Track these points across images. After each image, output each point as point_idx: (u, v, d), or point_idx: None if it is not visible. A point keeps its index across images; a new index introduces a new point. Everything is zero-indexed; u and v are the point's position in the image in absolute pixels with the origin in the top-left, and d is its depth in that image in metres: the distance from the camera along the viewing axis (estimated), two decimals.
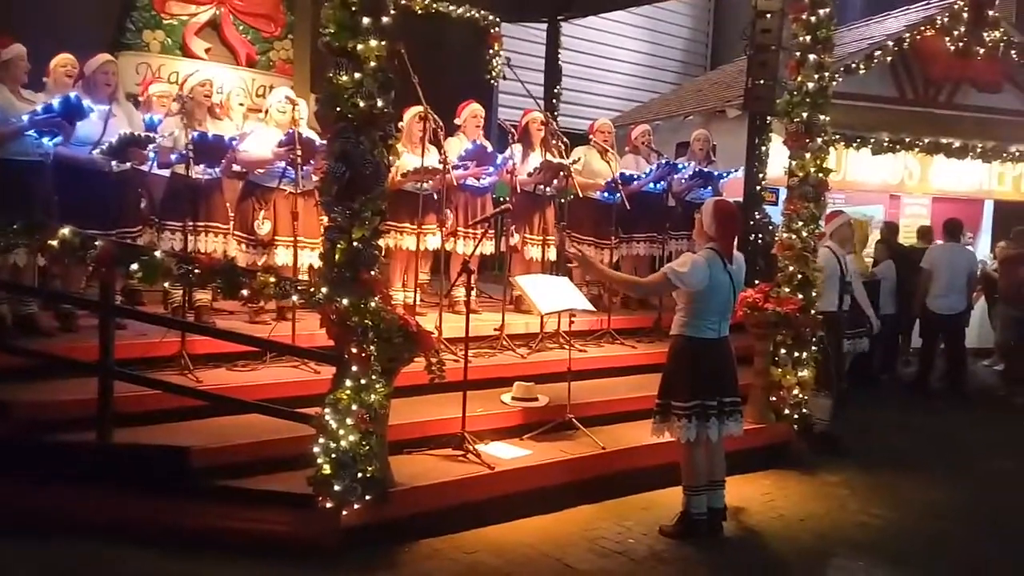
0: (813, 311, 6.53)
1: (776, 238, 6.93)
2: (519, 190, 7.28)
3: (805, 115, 6.50)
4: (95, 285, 5.09)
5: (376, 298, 4.38)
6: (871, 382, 9.34)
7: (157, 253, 4.71)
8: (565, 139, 7.49)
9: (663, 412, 4.95)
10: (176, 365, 5.39)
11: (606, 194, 7.53)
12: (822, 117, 6.54)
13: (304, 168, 6.02)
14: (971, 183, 12.19)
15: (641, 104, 15.49)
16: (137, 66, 8.95)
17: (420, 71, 5.90)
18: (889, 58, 11.07)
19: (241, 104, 7.31)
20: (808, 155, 6.51)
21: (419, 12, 10.08)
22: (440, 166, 6.46)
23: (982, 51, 11.44)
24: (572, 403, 5.76)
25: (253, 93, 9.26)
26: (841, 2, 6.90)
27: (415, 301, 6.69)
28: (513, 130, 7.34)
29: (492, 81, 11.20)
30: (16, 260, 5.25)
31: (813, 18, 6.47)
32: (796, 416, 6.49)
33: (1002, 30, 11.59)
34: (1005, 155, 11.84)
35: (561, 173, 7.18)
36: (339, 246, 4.34)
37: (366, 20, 4.28)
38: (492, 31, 11.02)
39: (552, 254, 7.46)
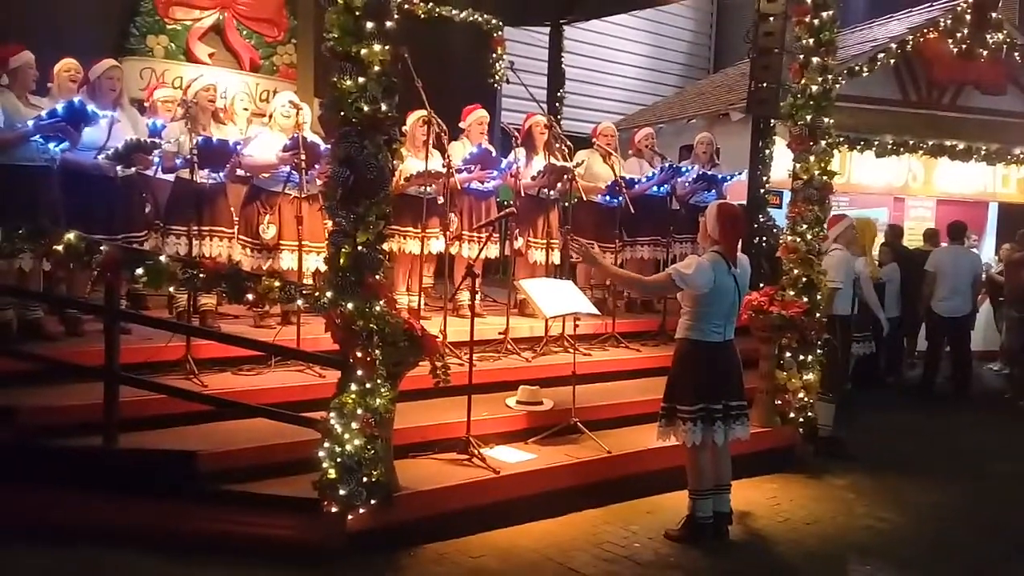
0: (829, 315, 6.54)
1: (780, 241, 6.93)
2: (523, 194, 7.28)
3: (809, 118, 6.50)
4: (100, 290, 5.09)
5: (381, 302, 4.38)
6: (877, 385, 9.33)
7: (162, 257, 4.72)
8: (568, 143, 7.49)
9: (669, 416, 4.94)
10: (181, 369, 5.39)
11: (608, 197, 7.53)
12: (826, 120, 6.54)
13: (308, 172, 6.02)
14: (975, 185, 12.17)
15: (644, 107, 15.48)
16: (141, 71, 8.97)
17: (423, 75, 5.91)
18: (892, 60, 11.05)
19: (245, 109, 7.31)
20: (812, 158, 6.51)
21: (422, 16, 10.08)
22: (444, 170, 6.47)
23: (985, 53, 11.41)
24: (577, 407, 5.75)
25: (257, 97, 9.28)
26: (844, 4, 6.87)
27: (419, 305, 6.70)
28: (516, 134, 7.34)
29: (495, 85, 11.21)
30: (22, 265, 5.27)
31: (816, 21, 6.48)
32: (801, 420, 6.48)
33: (1005, 32, 11.57)
34: (1009, 157, 11.81)
35: (565, 177, 7.18)
36: (344, 250, 4.35)
37: (370, 24, 4.29)
38: (495, 35, 11.02)
39: (556, 257, 7.46)
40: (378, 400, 4.35)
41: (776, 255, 7.02)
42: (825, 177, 6.55)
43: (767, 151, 8.99)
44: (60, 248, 4.63)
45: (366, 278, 4.37)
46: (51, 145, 5.45)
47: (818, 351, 6.54)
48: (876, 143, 10.85)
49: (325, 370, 5.32)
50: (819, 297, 6.50)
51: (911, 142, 11.08)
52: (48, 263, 5.23)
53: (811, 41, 6.50)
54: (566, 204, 7.44)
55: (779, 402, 6.44)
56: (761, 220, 8.97)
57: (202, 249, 5.94)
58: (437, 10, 10.30)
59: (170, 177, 6.08)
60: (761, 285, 6.94)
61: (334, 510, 4.29)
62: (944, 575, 4.88)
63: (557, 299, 5.75)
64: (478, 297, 5.92)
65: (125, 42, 9.04)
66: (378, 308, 4.35)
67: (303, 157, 5.90)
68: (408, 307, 6.44)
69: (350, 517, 4.33)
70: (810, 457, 6.63)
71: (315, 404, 4.76)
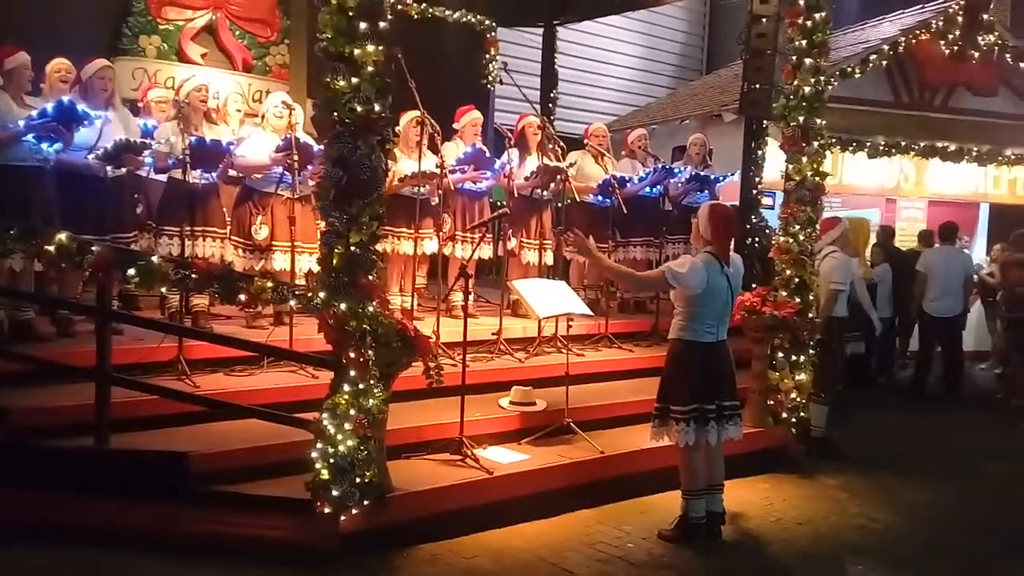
0: (829, 316, 6.57)
1: (773, 242, 6.94)
2: (516, 194, 7.29)
3: (801, 119, 6.52)
4: (92, 290, 5.08)
5: (374, 303, 4.37)
6: (869, 385, 9.35)
7: (154, 258, 4.71)
8: (562, 143, 7.50)
9: (662, 416, 4.95)
10: (173, 370, 5.38)
11: (601, 197, 7.53)
12: (818, 121, 6.57)
13: (301, 173, 6.01)
14: (967, 186, 12.21)
15: (637, 108, 15.51)
16: (133, 71, 8.94)
17: (417, 76, 5.91)
18: (884, 62, 11.08)
19: (238, 110, 7.29)
20: (805, 159, 6.53)
21: (416, 17, 10.09)
22: (437, 170, 6.47)
23: (977, 55, 11.46)
24: (570, 407, 5.76)
25: (250, 98, 9.26)
26: (836, 6, 6.88)
27: (412, 306, 6.69)
28: (510, 134, 7.34)
29: (488, 86, 11.20)
30: (13, 265, 5.25)
31: (809, 22, 6.50)
32: (794, 420, 6.50)
33: (996, 34, 11.61)
34: (1000, 158, 11.86)
35: (558, 177, 7.18)
36: (337, 251, 4.34)
37: (363, 25, 4.28)
38: (488, 36, 11.03)
39: (549, 258, 7.47)
40: (371, 401, 4.35)
41: (768, 256, 7.04)
42: (817, 178, 6.57)
43: (760, 152, 9.00)
44: (51, 248, 4.62)
45: (359, 279, 4.36)
46: (44, 145, 5.43)
47: (811, 352, 6.55)
48: (868, 144, 10.89)
49: (318, 371, 5.31)
50: (811, 298, 6.52)
51: (903, 143, 11.13)
52: (39, 263, 5.21)
53: (804, 42, 6.53)
54: (559, 205, 7.44)
55: (772, 402, 6.46)
56: (754, 221, 8.99)
57: (195, 250, 5.92)
58: (430, 11, 10.30)
59: (163, 177, 6.06)
60: (754, 286, 6.96)
61: (327, 511, 4.28)
62: (938, 574, 4.89)
63: (550, 300, 5.75)
64: (471, 298, 5.92)
65: (117, 42, 9.01)
66: (371, 309, 4.34)
67: (296, 158, 5.89)
68: (401, 308, 6.44)
69: (343, 518, 4.33)
70: (802, 457, 6.65)
71: (308, 405, 4.75)
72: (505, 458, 5.29)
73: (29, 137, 5.35)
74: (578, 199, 7.32)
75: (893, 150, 11.10)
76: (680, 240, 7.86)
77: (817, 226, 6.69)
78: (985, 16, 11.51)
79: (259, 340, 5.57)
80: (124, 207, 6.01)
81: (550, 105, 10.86)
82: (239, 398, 5.10)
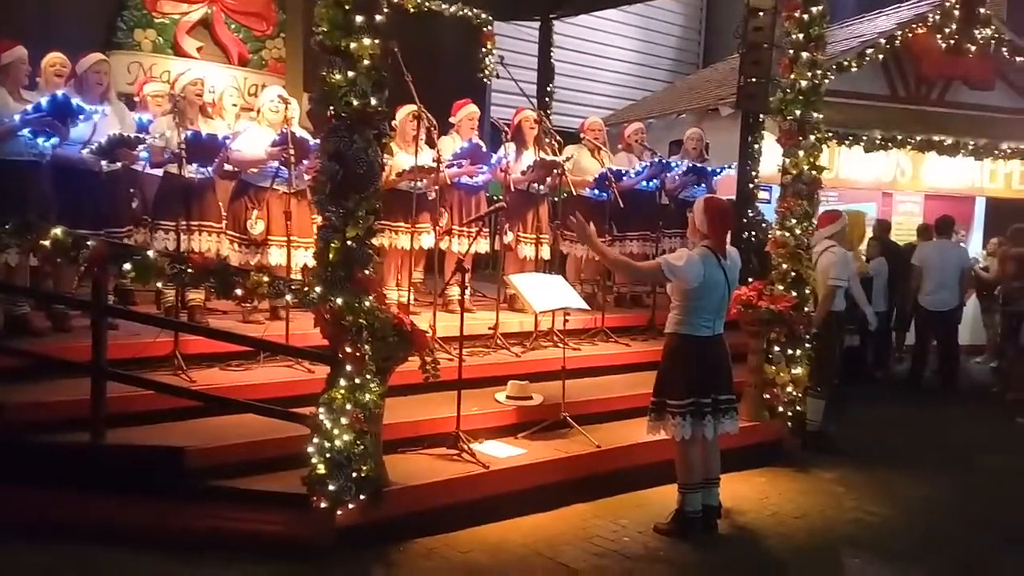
0: (828, 311, 6.57)
1: (769, 236, 6.94)
2: (512, 188, 7.27)
3: (798, 113, 6.52)
4: (87, 285, 5.07)
5: (370, 297, 4.37)
6: (865, 379, 9.36)
7: (150, 253, 4.70)
8: (558, 137, 7.49)
9: (658, 410, 4.95)
10: (169, 365, 5.37)
11: (597, 191, 7.52)
12: (815, 115, 6.56)
13: (297, 167, 6.00)
14: (963, 180, 12.22)
15: (634, 102, 15.49)
16: (129, 65, 8.91)
17: (413, 70, 5.89)
18: (881, 56, 11.08)
19: (234, 104, 7.26)
20: (801, 153, 6.53)
21: (412, 11, 10.05)
22: (434, 165, 6.45)
23: (973, 49, 11.45)
24: (567, 401, 5.76)
25: (245, 92, 9.23)
26: (833, 0, 6.90)
27: (409, 300, 6.69)
28: (506, 129, 7.33)
29: (485, 80, 11.16)
30: (8, 260, 5.22)
31: (806, 16, 6.49)
32: (790, 414, 6.50)
33: (993, 28, 11.60)
34: (997, 152, 11.87)
35: (554, 171, 7.18)
36: (333, 245, 4.33)
37: (359, 18, 4.27)
38: (485, 30, 11.00)
39: (546, 252, 7.46)
40: (367, 395, 4.34)
41: (765, 250, 7.04)
42: (814, 172, 6.57)
43: (756, 146, 9.01)
44: (47, 243, 4.60)
45: (355, 273, 4.36)
46: (40, 140, 5.41)
47: (807, 346, 6.56)
48: (864, 138, 10.90)
49: (314, 365, 5.31)
50: (808, 292, 6.52)
51: (899, 137, 11.13)
52: (35, 258, 5.20)
53: (800, 36, 6.52)
54: (556, 199, 7.44)
55: (768, 396, 6.46)
56: (750, 215, 8.99)
57: (191, 244, 5.90)
58: (427, 4, 10.26)
59: (159, 172, 6.04)
60: (750, 280, 6.96)
61: (323, 506, 4.28)
62: (934, 568, 4.90)
63: (547, 294, 5.75)
64: (467, 292, 5.92)
65: (112, 36, 8.98)
66: (368, 303, 4.34)
67: (292, 152, 5.88)
68: (398, 302, 6.43)
69: (339, 512, 4.33)
70: (798, 451, 6.66)
71: (304, 400, 4.75)
72: (501, 452, 5.30)
73: (25, 132, 5.33)
74: (574, 193, 7.31)
75: (889, 144, 11.11)
76: (677, 234, 7.86)
77: (814, 220, 6.69)
78: (982, 9, 11.51)
79: (255, 335, 5.56)
80: (119, 202, 5.99)
81: (546, 99, 10.84)
82: (235, 393, 5.09)
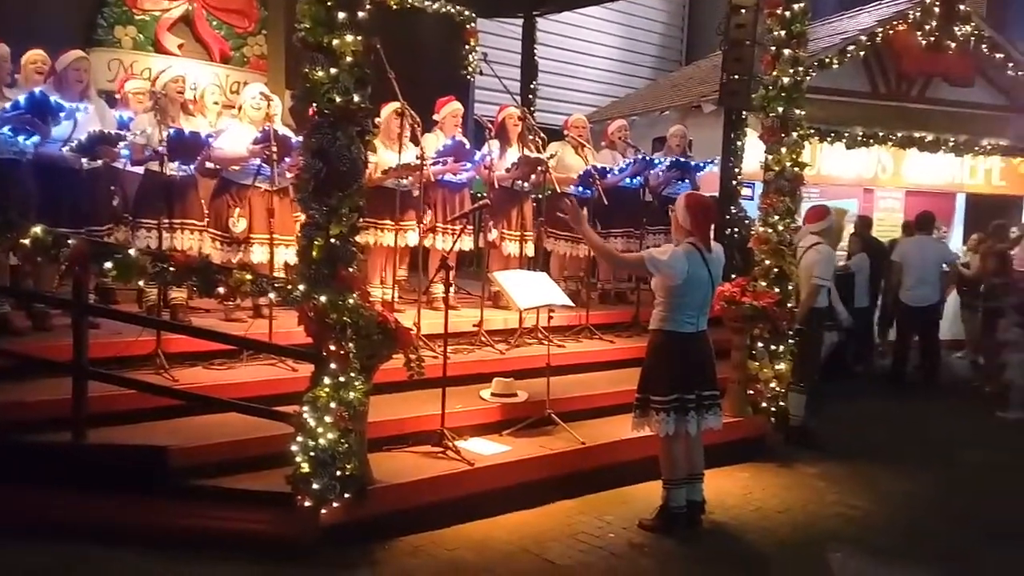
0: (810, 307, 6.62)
1: (752, 232, 6.97)
2: (497, 186, 7.27)
3: (781, 109, 6.54)
4: (68, 284, 5.03)
5: (354, 295, 4.36)
6: (846, 374, 9.42)
7: (131, 251, 4.66)
8: (542, 134, 7.49)
9: (643, 406, 4.96)
10: (151, 364, 5.33)
11: (581, 188, 7.53)
12: (797, 111, 6.58)
13: (279, 165, 5.97)
14: (943, 177, 12.33)
15: (617, 99, 15.53)
16: (109, 62, 8.86)
17: (396, 67, 5.87)
18: (862, 53, 11.16)
19: (216, 101, 7.21)
20: (784, 149, 6.55)
21: (394, 7, 10.02)
22: (418, 162, 6.44)
23: (953, 46, 11.55)
24: (551, 398, 5.76)
25: (227, 89, 9.19)
26: None
27: (393, 298, 6.67)
28: (490, 126, 7.32)
29: (468, 77, 11.17)
30: None
31: (788, 13, 6.51)
32: (773, 409, 6.53)
33: (973, 24, 11.70)
34: (977, 149, 11.97)
35: (538, 168, 7.18)
36: (316, 243, 4.31)
37: (341, 15, 4.25)
38: (468, 27, 10.98)
39: (530, 250, 7.46)
40: (352, 393, 4.33)
41: (748, 246, 7.06)
42: (796, 168, 6.59)
43: (739, 143, 9.03)
44: (27, 242, 4.56)
45: (339, 271, 4.34)
46: (20, 138, 5.36)
47: (790, 342, 6.59)
48: (846, 135, 10.97)
49: (298, 364, 5.28)
50: (790, 288, 6.55)
51: (880, 134, 11.21)
52: (15, 257, 5.15)
53: (783, 33, 6.54)
54: (539, 196, 7.43)
55: (751, 392, 6.48)
56: (733, 211, 9.01)
57: (173, 242, 5.86)
58: (409, 1, 10.24)
59: (140, 170, 6.00)
60: (733, 276, 6.99)
61: (308, 504, 4.26)
62: (915, 562, 4.93)
63: (531, 291, 5.76)
64: (452, 289, 5.91)
65: (93, 33, 8.93)
66: (352, 301, 4.32)
67: (274, 149, 5.85)
68: (382, 300, 6.42)
69: (324, 511, 4.31)
70: (781, 446, 6.70)
71: (288, 398, 4.72)
72: (486, 450, 5.30)
73: (4, 130, 5.28)
74: (558, 190, 7.31)
75: (871, 140, 11.19)
76: (660, 231, 7.88)
77: (797, 216, 6.72)
78: (961, 6, 11.60)
79: (238, 333, 5.53)
80: (99, 200, 5.93)
81: (530, 96, 10.85)
82: (218, 392, 5.06)
